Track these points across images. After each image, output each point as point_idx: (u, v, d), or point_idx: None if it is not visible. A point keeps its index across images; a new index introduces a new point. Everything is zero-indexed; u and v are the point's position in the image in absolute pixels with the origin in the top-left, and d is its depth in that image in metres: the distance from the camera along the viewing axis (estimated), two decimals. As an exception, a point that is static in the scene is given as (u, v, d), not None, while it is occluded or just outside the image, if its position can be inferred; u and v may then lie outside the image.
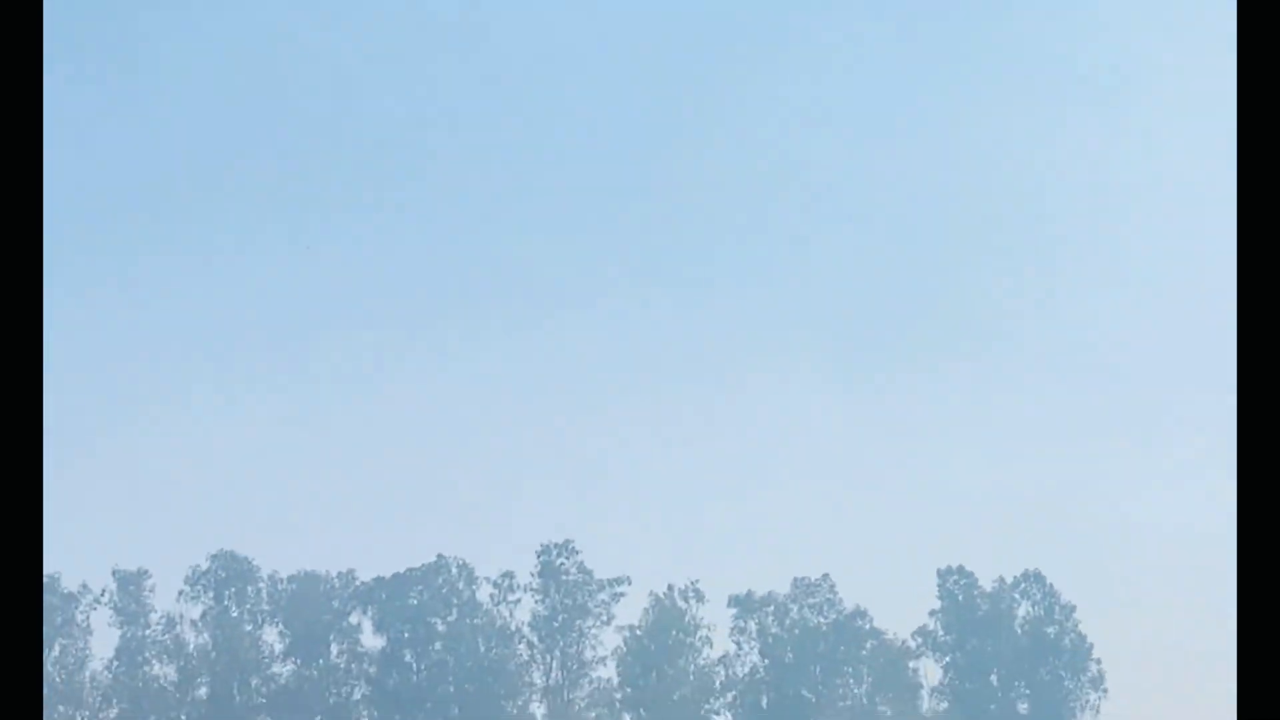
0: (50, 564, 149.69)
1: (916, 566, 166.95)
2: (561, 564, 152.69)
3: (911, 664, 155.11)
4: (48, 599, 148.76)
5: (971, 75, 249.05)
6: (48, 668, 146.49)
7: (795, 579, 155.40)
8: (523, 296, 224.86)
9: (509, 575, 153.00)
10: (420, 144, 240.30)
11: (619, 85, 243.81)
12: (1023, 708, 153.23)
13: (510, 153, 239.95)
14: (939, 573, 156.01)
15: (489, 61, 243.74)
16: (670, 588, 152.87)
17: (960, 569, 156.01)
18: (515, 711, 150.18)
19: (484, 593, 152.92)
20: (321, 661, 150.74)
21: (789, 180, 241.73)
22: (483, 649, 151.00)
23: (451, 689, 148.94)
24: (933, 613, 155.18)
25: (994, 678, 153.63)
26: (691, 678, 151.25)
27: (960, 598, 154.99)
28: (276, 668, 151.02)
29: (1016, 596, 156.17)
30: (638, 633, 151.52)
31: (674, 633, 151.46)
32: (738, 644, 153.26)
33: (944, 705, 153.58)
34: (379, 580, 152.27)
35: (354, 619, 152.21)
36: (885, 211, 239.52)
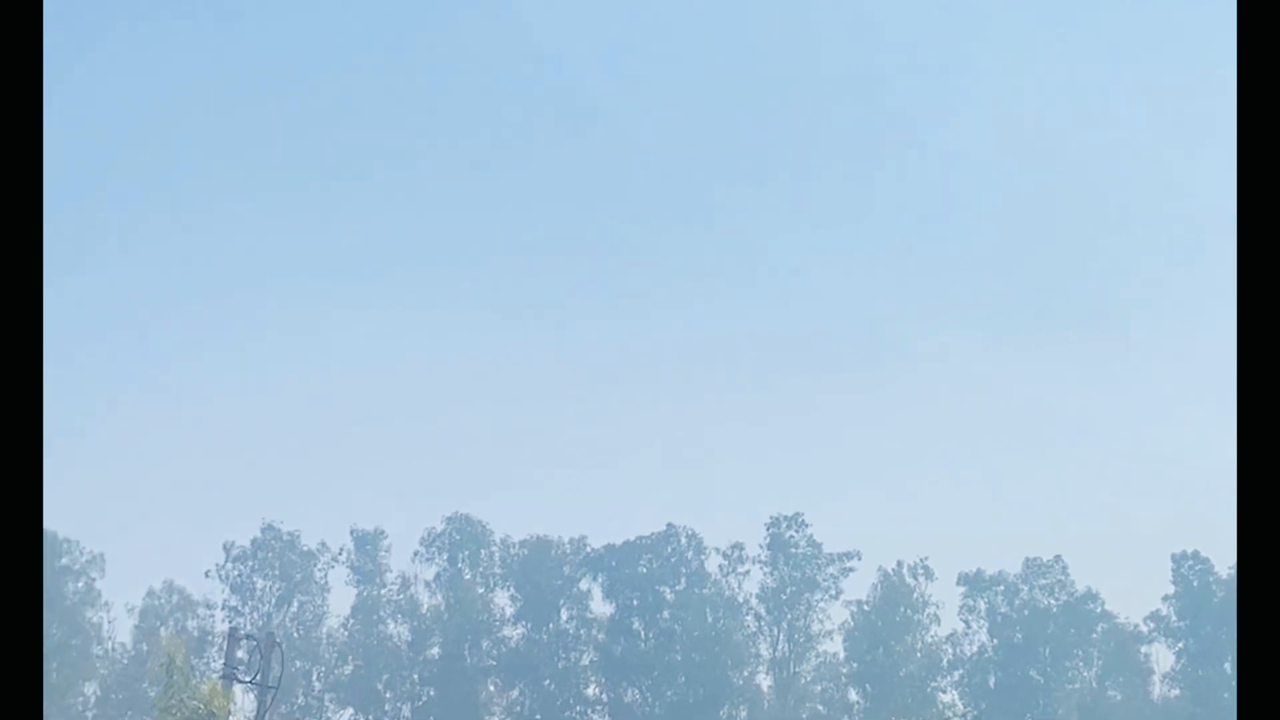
0: (290, 522, 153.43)
1: (1150, 551, 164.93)
2: (791, 537, 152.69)
3: (1143, 649, 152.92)
4: (287, 556, 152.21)
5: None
6: (285, 623, 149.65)
7: (1027, 559, 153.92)
8: (751, 261, 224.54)
9: (738, 546, 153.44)
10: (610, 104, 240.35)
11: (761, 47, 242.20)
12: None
13: (711, 124, 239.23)
14: (1173, 558, 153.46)
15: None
16: (899, 564, 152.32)
17: (1195, 554, 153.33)
18: (741, 682, 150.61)
19: (713, 563, 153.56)
20: (551, 626, 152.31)
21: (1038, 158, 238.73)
22: (710, 619, 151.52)
23: (679, 658, 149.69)
24: (1166, 598, 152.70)
25: (1228, 666, 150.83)
26: (919, 655, 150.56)
27: (1195, 584, 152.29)
28: (507, 631, 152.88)
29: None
30: (865, 608, 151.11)
31: (902, 609, 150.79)
32: (966, 623, 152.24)
33: (1175, 692, 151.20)
34: (609, 548, 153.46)
35: (584, 585, 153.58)
36: (1100, 178, 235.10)
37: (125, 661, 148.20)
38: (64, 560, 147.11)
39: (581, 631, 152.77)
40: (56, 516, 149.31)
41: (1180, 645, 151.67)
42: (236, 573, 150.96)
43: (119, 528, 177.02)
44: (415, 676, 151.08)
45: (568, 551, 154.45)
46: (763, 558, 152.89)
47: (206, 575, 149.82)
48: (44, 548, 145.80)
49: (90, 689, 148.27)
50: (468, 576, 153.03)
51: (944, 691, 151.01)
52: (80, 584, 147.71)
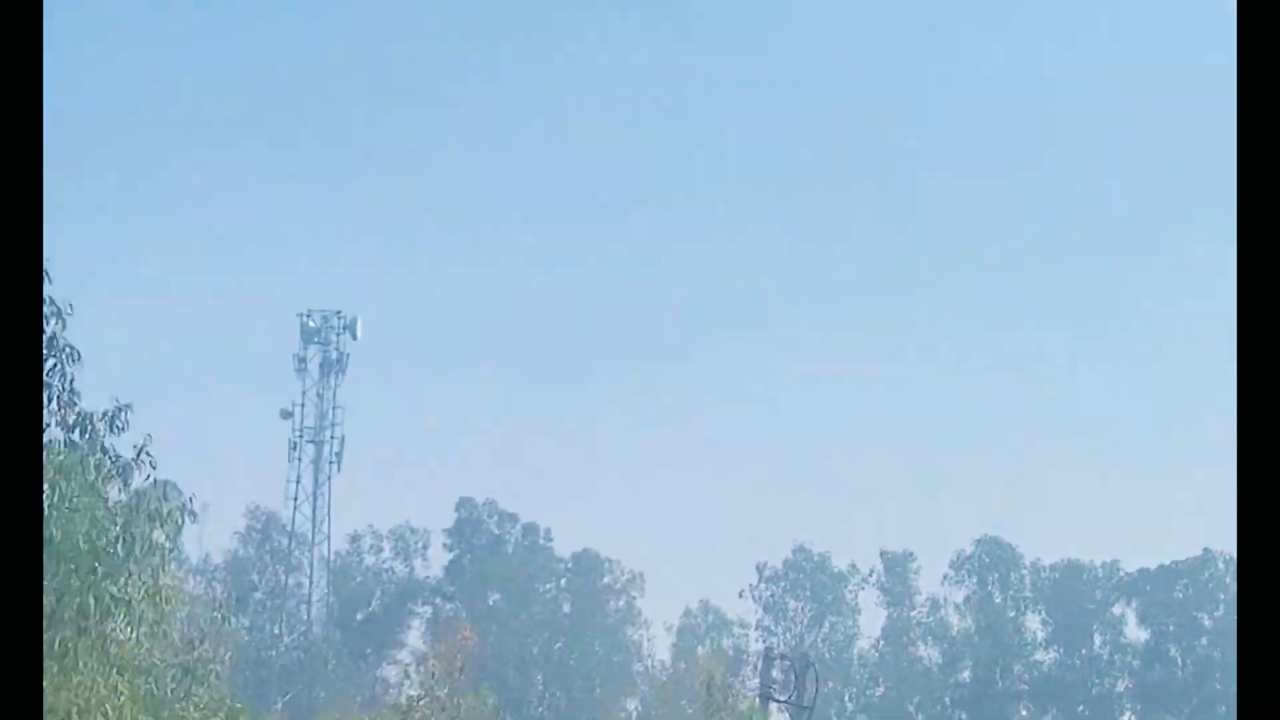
0: (820, 543, 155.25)
1: None
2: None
3: None
4: (818, 577, 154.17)
5: None
6: (817, 643, 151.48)
7: None
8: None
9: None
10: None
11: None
12: None
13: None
14: None
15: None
16: None
17: None
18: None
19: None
20: (1084, 652, 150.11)
21: None
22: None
23: (1218, 687, 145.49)
24: None
25: None
26: None
27: None
28: (1038, 655, 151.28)
29: None
30: None
31: None
32: None
33: None
34: (1143, 572, 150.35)
35: (1117, 610, 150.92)
36: None
37: (664, 679, 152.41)
38: (606, 579, 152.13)
39: (1115, 658, 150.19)
40: (600, 538, 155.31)
41: None
42: (769, 593, 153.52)
43: (658, 548, 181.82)
44: (946, 699, 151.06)
45: (1099, 575, 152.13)
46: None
47: (740, 595, 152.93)
48: (587, 567, 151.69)
49: (632, 705, 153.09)
50: (998, 600, 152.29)
51: None
52: (621, 602, 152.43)
